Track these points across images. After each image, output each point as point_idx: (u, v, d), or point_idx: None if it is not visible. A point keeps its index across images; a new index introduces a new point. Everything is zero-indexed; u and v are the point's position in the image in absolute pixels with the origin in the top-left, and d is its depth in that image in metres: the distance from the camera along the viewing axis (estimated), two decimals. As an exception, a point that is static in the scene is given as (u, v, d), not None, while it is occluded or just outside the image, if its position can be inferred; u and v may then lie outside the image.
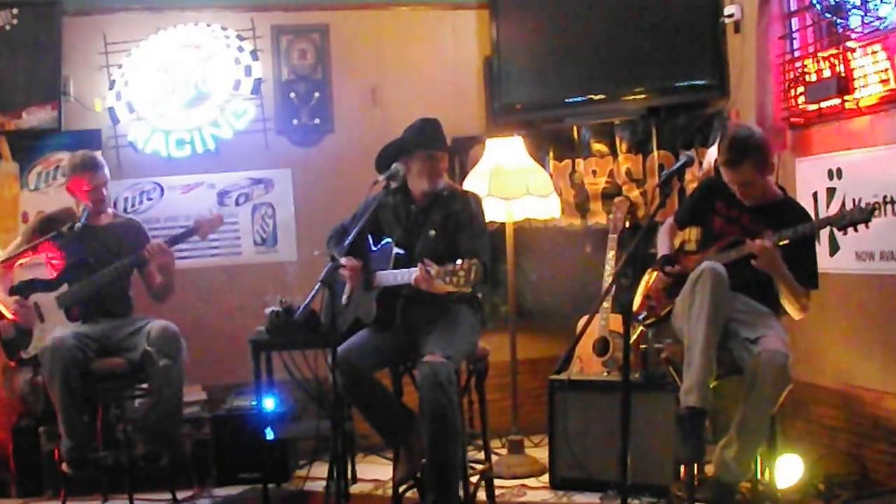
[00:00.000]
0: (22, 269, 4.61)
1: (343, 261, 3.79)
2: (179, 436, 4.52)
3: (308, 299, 3.56)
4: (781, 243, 3.53)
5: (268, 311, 4.48)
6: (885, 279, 4.01)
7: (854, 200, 4.13)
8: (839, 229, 3.59)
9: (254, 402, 4.65)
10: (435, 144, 3.98)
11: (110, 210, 4.68)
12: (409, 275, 3.70)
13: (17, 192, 5.17)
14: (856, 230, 3.53)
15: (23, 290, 4.44)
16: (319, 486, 4.57)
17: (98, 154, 4.63)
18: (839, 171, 4.23)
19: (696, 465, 3.70)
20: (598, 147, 5.32)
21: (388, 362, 4.04)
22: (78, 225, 4.32)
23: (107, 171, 4.51)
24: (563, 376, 4.50)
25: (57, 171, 5.18)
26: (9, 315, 4.37)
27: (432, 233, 3.95)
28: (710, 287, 3.48)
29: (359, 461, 4.93)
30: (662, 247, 4.04)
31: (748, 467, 3.58)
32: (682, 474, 3.80)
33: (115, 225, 4.59)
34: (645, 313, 3.93)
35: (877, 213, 3.48)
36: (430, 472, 3.72)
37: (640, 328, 4.11)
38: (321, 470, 4.61)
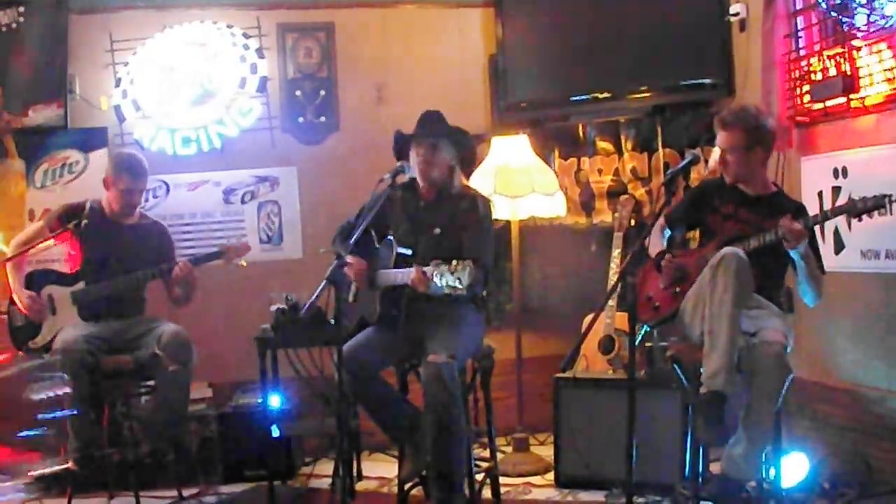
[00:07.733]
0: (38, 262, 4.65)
1: (349, 259, 3.79)
2: (184, 435, 4.54)
3: (314, 297, 3.57)
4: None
5: (273, 308, 4.48)
6: (891, 278, 4.01)
7: (859, 200, 4.13)
8: (854, 216, 3.57)
9: (259, 400, 4.66)
10: (429, 132, 3.98)
11: (138, 209, 4.66)
12: (407, 275, 3.71)
13: (23, 190, 5.18)
14: (871, 216, 3.51)
15: (39, 278, 4.44)
16: (325, 483, 4.58)
17: (144, 161, 4.54)
18: (844, 169, 4.22)
19: (705, 457, 3.68)
20: (603, 145, 5.32)
21: (394, 360, 4.05)
22: (85, 222, 4.32)
23: (147, 180, 4.53)
24: (568, 374, 4.51)
25: (63, 168, 5.19)
26: (21, 307, 4.39)
27: (437, 231, 3.95)
28: (733, 270, 3.43)
29: (364, 459, 4.93)
30: (655, 248, 3.96)
31: (757, 465, 3.54)
32: (687, 472, 3.80)
33: (140, 226, 4.56)
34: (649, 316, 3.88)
35: (887, 200, 3.44)
36: (434, 468, 3.73)
37: (646, 328, 4.09)
38: (327, 467, 4.63)
